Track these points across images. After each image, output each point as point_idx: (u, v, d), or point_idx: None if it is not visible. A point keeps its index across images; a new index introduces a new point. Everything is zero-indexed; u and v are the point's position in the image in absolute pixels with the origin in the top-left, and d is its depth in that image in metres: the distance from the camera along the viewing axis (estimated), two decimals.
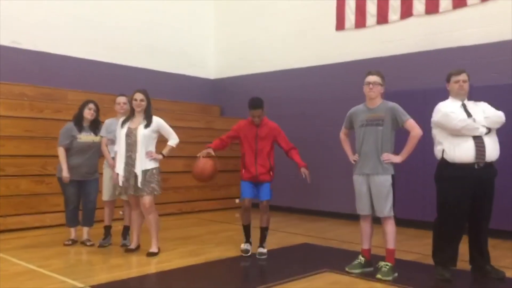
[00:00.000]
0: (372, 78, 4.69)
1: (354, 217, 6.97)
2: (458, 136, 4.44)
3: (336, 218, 8.30)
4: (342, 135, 5.07)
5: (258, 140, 5.33)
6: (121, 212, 6.13)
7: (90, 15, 8.76)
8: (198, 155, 5.43)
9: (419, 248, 5.82)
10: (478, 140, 4.40)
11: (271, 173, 5.41)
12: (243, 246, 5.46)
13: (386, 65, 7.23)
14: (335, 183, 8.42)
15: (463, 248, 4.64)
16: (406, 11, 7.89)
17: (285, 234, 6.93)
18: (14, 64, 7.67)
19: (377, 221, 4.81)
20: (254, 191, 5.38)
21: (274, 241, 6.07)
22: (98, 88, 8.30)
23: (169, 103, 9.49)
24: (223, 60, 10.93)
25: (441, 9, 7.53)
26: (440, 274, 4.51)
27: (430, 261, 4.78)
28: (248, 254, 5.36)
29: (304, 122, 8.94)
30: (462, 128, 4.39)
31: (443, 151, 4.54)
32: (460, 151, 4.42)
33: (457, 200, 4.46)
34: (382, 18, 8.17)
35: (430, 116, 4.71)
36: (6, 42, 7.67)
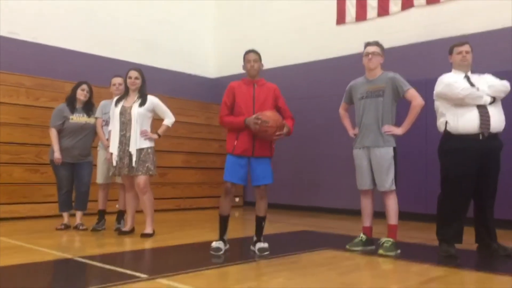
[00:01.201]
0: (371, 49, 4.58)
1: (354, 213, 6.81)
2: (461, 106, 4.28)
3: (335, 213, 8.09)
4: (342, 110, 4.92)
5: (256, 102, 4.31)
6: (117, 206, 5.96)
7: (90, 9, 8.72)
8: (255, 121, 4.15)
9: (422, 234, 5.62)
10: (483, 110, 4.24)
11: (271, 145, 4.40)
12: (215, 244, 4.23)
13: (388, 56, 7.06)
14: (335, 179, 8.27)
15: (467, 234, 4.41)
16: (407, 2, 7.82)
17: (283, 224, 6.73)
18: (12, 54, 7.58)
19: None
20: (244, 174, 4.29)
21: (272, 230, 5.73)
22: (97, 82, 8.20)
23: (168, 99, 9.28)
24: (224, 59, 10.84)
25: None
26: (444, 251, 4.29)
27: (434, 243, 4.54)
28: (220, 253, 4.17)
29: (306, 118, 8.78)
30: (465, 96, 4.23)
31: (446, 122, 4.38)
32: (464, 121, 4.26)
33: (461, 172, 4.27)
34: (383, 10, 8.10)
35: (432, 105, 4.57)
36: (4, 32, 7.60)
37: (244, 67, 4.48)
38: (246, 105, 4.31)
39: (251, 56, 4.43)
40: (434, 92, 4.51)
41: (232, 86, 4.44)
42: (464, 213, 4.37)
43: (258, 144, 4.27)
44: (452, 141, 4.34)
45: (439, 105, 4.48)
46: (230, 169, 4.29)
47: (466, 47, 4.53)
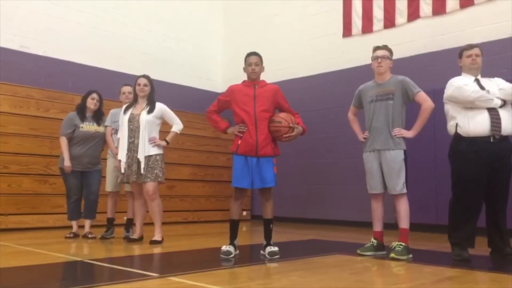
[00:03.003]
0: (380, 52, 4.61)
1: (363, 225, 6.74)
2: (472, 109, 4.27)
3: (344, 225, 8.01)
4: (351, 114, 4.92)
5: (257, 103, 4.25)
6: (125, 218, 5.94)
7: (99, 24, 8.82)
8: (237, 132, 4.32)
9: (433, 243, 5.54)
10: (493, 112, 4.23)
11: (273, 144, 4.32)
12: (225, 247, 4.19)
13: (395, 67, 7.15)
14: (343, 191, 8.22)
15: (479, 244, 4.35)
16: (413, 14, 7.87)
17: (292, 234, 6.68)
18: (23, 68, 7.68)
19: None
20: (250, 176, 4.21)
21: (281, 239, 5.66)
22: (105, 95, 8.26)
23: (176, 113, 9.26)
24: (231, 73, 10.90)
25: (448, 9, 7.50)
26: (457, 255, 4.22)
27: (447, 250, 4.46)
28: (230, 256, 4.14)
29: (313, 131, 8.73)
30: (475, 99, 4.23)
31: (456, 125, 4.36)
32: (475, 124, 4.24)
33: (472, 175, 4.24)
34: (389, 22, 8.15)
35: (440, 115, 4.57)
36: (15, 46, 7.70)
37: (245, 69, 4.43)
38: (247, 105, 4.26)
39: (253, 59, 4.40)
40: (444, 95, 4.51)
41: (232, 89, 4.42)
42: (476, 216, 4.31)
43: (262, 144, 4.22)
44: (463, 144, 4.31)
45: (449, 108, 4.46)
46: (237, 175, 4.25)
47: (476, 50, 4.55)
